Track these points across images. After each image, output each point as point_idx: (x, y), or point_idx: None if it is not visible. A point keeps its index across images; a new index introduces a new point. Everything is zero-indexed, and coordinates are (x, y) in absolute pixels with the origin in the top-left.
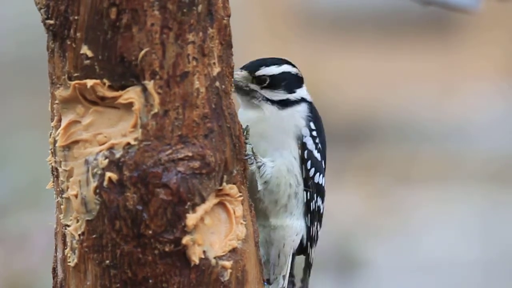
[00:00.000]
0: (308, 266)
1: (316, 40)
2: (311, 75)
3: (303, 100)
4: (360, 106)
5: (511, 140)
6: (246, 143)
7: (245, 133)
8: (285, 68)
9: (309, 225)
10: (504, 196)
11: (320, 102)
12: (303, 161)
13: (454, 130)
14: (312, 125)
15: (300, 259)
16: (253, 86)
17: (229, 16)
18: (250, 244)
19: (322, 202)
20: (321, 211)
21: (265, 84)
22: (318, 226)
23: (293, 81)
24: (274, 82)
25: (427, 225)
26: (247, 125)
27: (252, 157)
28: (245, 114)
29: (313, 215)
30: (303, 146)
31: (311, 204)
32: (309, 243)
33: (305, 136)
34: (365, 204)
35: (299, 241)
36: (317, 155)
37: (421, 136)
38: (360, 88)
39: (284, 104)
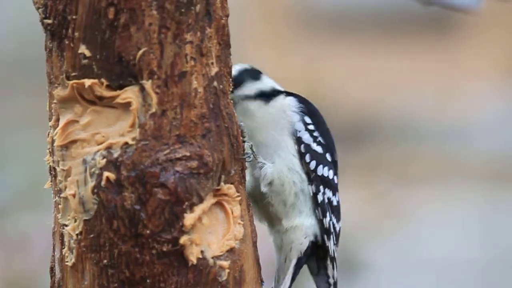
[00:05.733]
0: (331, 260)
1: (316, 40)
2: (311, 75)
3: (280, 92)
4: (360, 106)
5: (511, 140)
6: (244, 142)
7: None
8: (237, 67)
9: (321, 217)
10: (504, 196)
11: (320, 102)
12: (301, 156)
13: (454, 130)
14: (307, 119)
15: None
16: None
17: (227, 16)
18: (247, 244)
19: (333, 194)
20: (334, 203)
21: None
22: (333, 218)
23: (252, 72)
24: (238, 81)
25: (427, 225)
26: (242, 124)
27: (251, 155)
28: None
29: (324, 207)
30: (298, 141)
31: (318, 196)
32: (325, 236)
33: (299, 131)
34: (365, 205)
35: (307, 244)
36: (317, 148)
37: (421, 136)
38: (360, 88)
39: (264, 97)
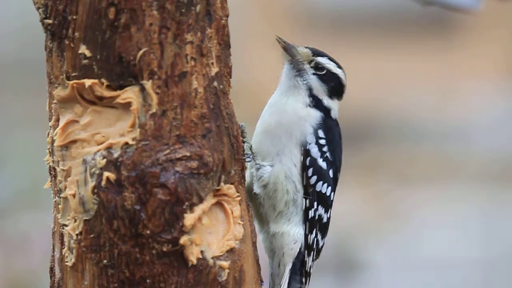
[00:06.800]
0: (306, 274)
1: (317, 41)
2: None
3: (326, 110)
4: (360, 106)
5: (511, 140)
6: (244, 142)
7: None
8: (341, 73)
9: (307, 232)
10: (504, 196)
11: None
12: (304, 168)
13: (454, 130)
14: (321, 133)
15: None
16: (307, 67)
17: (227, 16)
18: (247, 244)
19: (326, 212)
20: (324, 220)
21: (319, 73)
22: (319, 235)
23: (338, 88)
24: (326, 77)
25: (427, 226)
26: (242, 124)
27: (250, 156)
28: (274, 97)
29: (312, 223)
30: (306, 153)
31: (310, 212)
32: (306, 252)
33: (310, 143)
34: (365, 205)
35: (298, 249)
36: (322, 163)
37: (421, 136)
38: (360, 88)
39: (314, 103)
